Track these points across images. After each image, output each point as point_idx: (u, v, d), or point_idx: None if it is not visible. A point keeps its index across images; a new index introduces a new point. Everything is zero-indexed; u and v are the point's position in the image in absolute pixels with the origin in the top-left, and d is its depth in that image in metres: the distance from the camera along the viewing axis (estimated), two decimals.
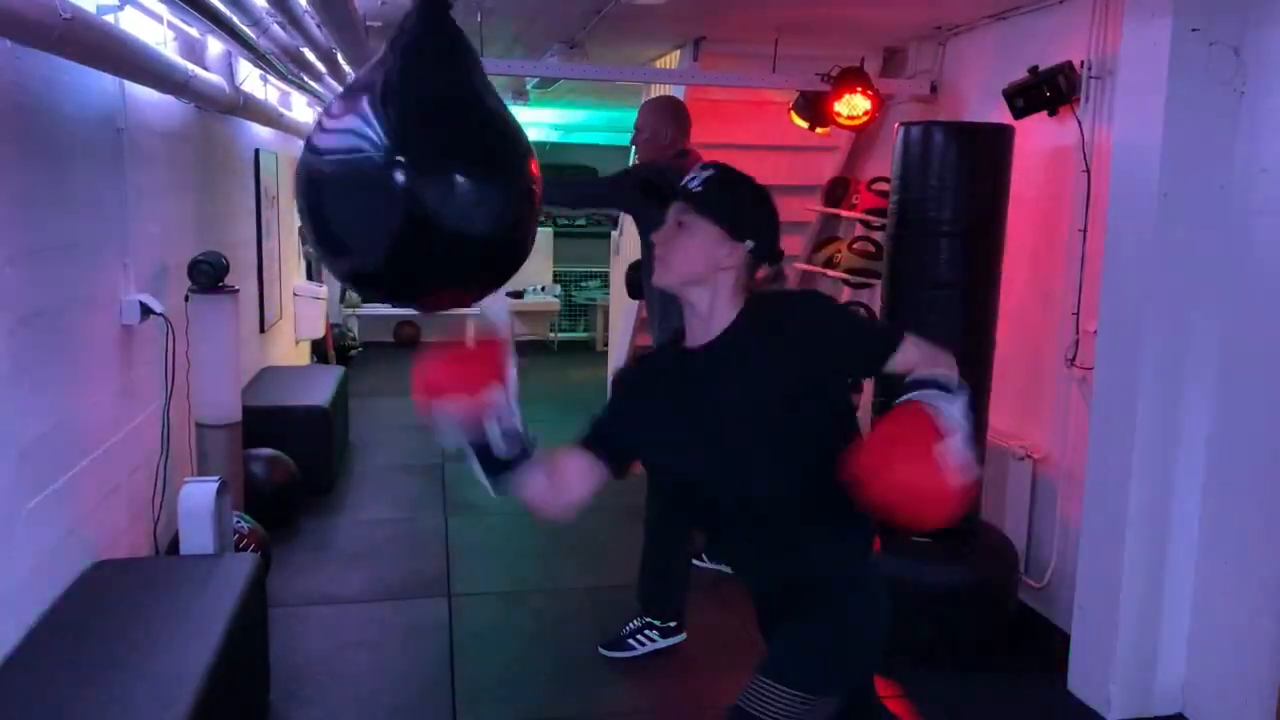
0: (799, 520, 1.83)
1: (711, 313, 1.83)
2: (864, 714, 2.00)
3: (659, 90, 6.02)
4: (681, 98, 5.36)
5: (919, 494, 1.61)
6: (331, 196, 2.39)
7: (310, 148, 2.41)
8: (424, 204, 2.30)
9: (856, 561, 1.88)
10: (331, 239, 2.47)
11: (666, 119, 3.61)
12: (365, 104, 2.35)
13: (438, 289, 2.63)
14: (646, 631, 3.45)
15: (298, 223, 7.85)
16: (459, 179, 2.34)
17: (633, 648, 3.44)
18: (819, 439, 1.77)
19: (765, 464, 1.80)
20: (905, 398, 1.71)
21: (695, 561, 4.09)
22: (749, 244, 1.80)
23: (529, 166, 2.52)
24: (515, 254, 2.58)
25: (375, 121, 2.32)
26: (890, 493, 1.61)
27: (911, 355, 1.81)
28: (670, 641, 3.46)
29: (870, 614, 1.88)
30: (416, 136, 2.33)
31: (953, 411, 1.66)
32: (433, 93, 2.40)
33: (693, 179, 1.84)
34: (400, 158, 2.28)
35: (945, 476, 1.58)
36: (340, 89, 2.55)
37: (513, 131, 2.54)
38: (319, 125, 2.48)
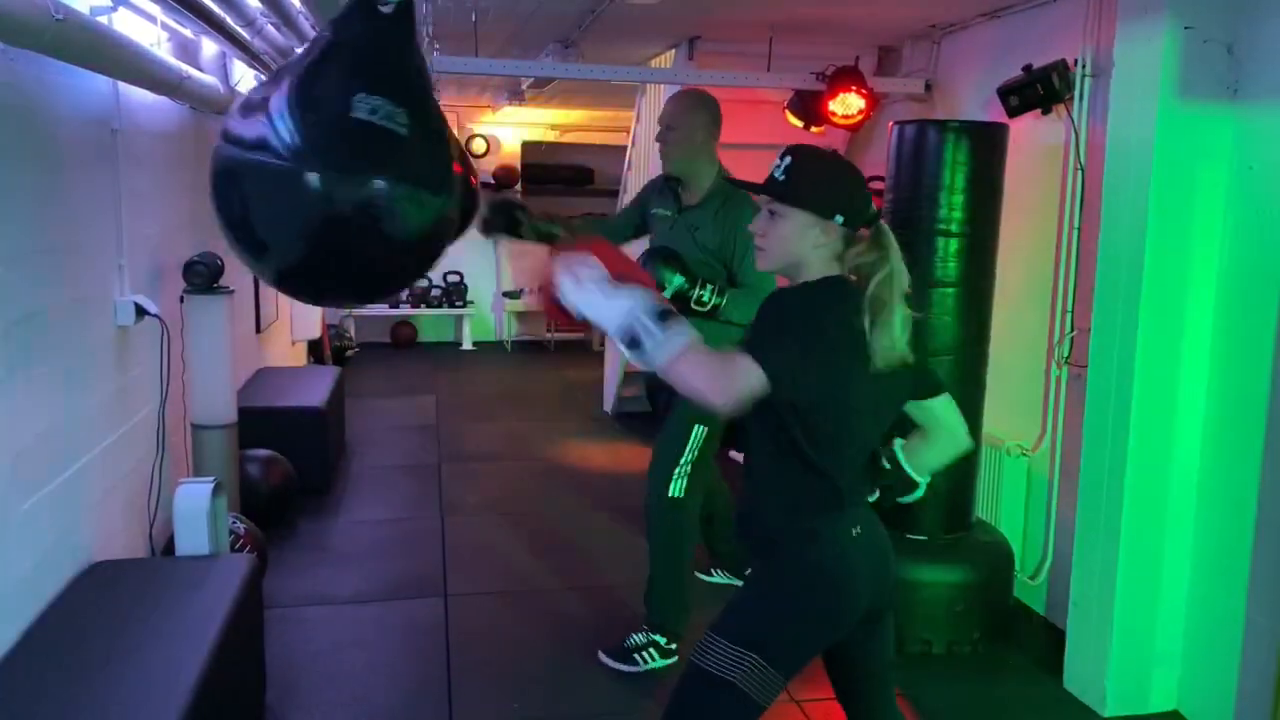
0: (751, 480, 1.99)
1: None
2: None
3: (655, 90, 6.03)
4: None
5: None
6: (248, 192, 2.40)
7: (227, 136, 2.40)
8: (338, 204, 2.29)
9: (795, 535, 1.90)
10: (251, 237, 2.47)
11: (701, 116, 3.37)
12: (284, 97, 2.33)
13: (353, 288, 2.63)
14: (651, 650, 3.40)
15: None
16: (373, 180, 2.30)
17: (635, 663, 3.39)
18: (758, 412, 1.83)
19: (750, 422, 1.93)
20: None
21: (703, 576, 4.10)
22: (839, 219, 1.87)
23: (449, 165, 2.51)
24: (431, 252, 2.55)
25: (289, 118, 2.30)
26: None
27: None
28: (665, 663, 3.39)
29: (784, 585, 1.91)
30: (330, 137, 2.29)
31: (640, 303, 1.74)
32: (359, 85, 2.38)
33: (776, 167, 1.92)
34: (313, 159, 2.26)
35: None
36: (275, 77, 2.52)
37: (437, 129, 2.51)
38: (240, 111, 2.45)
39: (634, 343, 1.74)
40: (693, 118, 3.37)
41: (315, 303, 2.93)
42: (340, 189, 2.29)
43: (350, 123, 2.29)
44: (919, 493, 2.05)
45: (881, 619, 2.01)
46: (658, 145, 3.47)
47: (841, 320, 1.84)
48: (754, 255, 3.07)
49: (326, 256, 2.42)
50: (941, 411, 2.04)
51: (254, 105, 2.42)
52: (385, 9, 2.41)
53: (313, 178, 2.28)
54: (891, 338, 1.83)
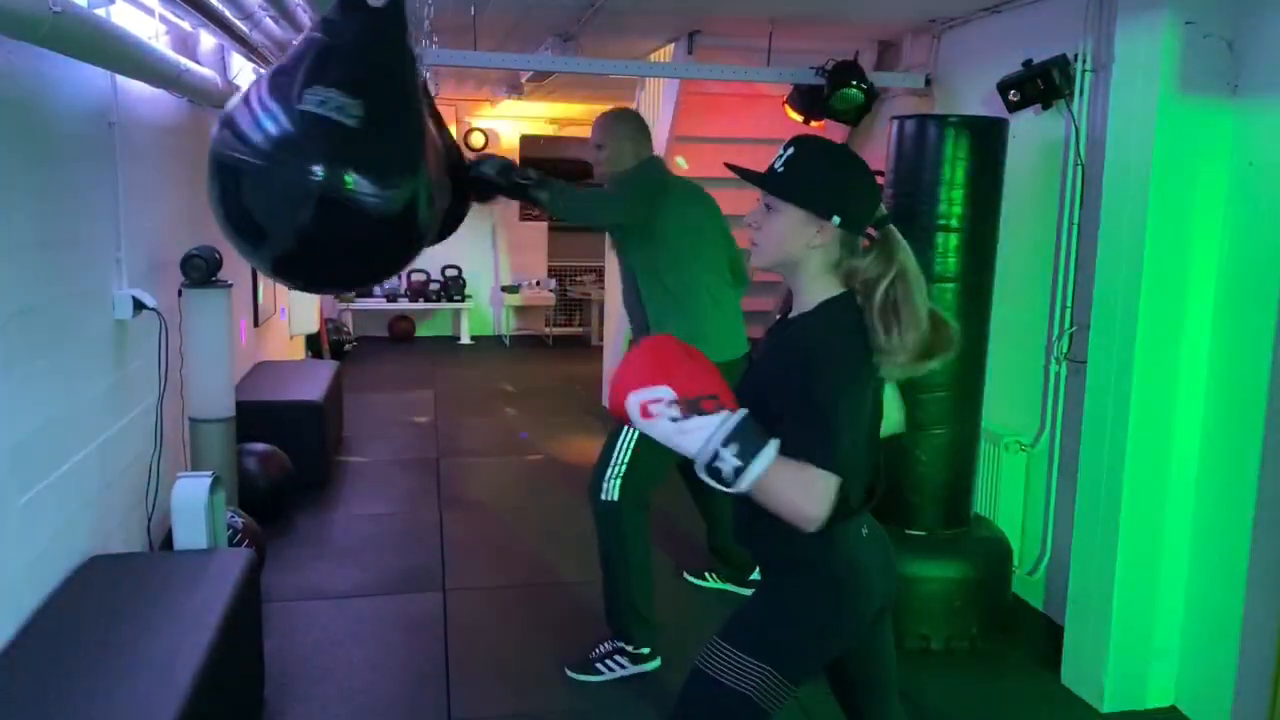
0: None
1: (801, 290, 1.84)
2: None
3: (654, 84, 6.02)
4: (676, 91, 5.38)
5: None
6: (247, 183, 2.45)
7: (228, 126, 2.46)
8: (332, 193, 2.35)
9: (811, 543, 1.78)
10: (249, 224, 2.56)
11: (626, 131, 3.45)
12: (259, 90, 2.41)
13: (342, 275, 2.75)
14: (617, 657, 3.35)
15: None
16: (365, 170, 2.39)
17: (600, 672, 3.34)
18: (771, 427, 1.74)
19: None
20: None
21: (696, 580, 4.09)
22: (836, 219, 1.76)
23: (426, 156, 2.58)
24: (414, 240, 2.64)
25: (259, 110, 2.38)
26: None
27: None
28: (640, 669, 3.34)
29: (805, 600, 1.85)
30: (281, 127, 2.40)
31: (716, 435, 1.63)
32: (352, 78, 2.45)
33: (778, 158, 1.81)
34: (266, 148, 2.37)
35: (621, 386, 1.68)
36: (266, 73, 2.61)
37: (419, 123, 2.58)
38: (243, 104, 2.51)
39: (712, 472, 1.65)
40: (616, 130, 3.44)
41: (301, 287, 3.05)
42: (285, 176, 2.34)
43: (297, 114, 2.37)
44: None
45: (883, 619, 1.97)
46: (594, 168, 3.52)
47: (860, 345, 1.75)
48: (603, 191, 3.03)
49: (295, 242, 2.51)
50: (886, 395, 1.94)
51: (244, 96, 2.50)
52: (376, 3, 2.43)
53: (262, 165, 2.37)
54: (917, 344, 1.74)
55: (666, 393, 1.66)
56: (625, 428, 3.28)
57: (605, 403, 2.06)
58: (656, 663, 3.37)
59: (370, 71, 2.51)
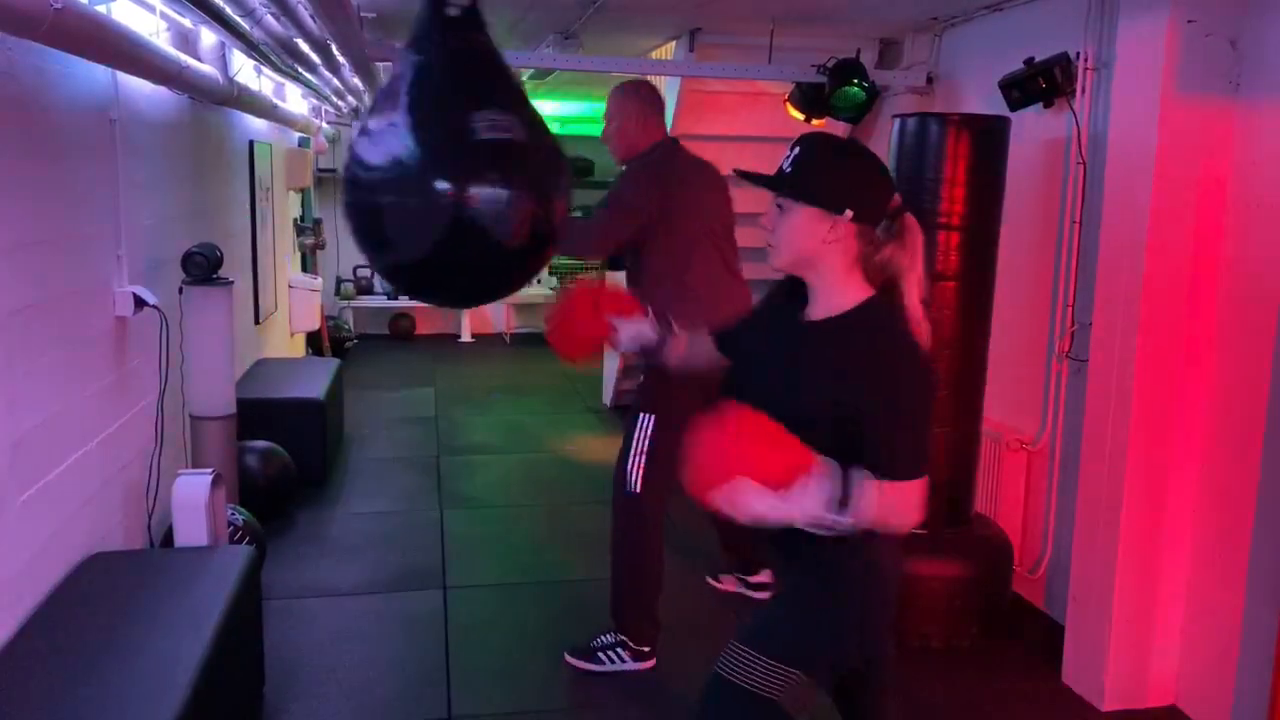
0: None
1: (824, 289, 1.82)
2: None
3: (656, 82, 6.01)
4: (677, 89, 5.37)
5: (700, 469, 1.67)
6: (376, 201, 2.45)
7: (354, 158, 2.47)
8: (463, 212, 2.37)
9: (842, 545, 1.78)
10: (378, 238, 2.52)
11: (636, 102, 3.41)
12: (402, 113, 2.41)
13: (472, 290, 2.74)
14: (618, 649, 3.35)
15: (293, 214, 7.84)
16: (497, 189, 2.38)
17: (600, 662, 3.34)
18: (814, 429, 1.73)
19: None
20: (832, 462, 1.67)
21: (713, 582, 4.07)
22: (849, 214, 1.76)
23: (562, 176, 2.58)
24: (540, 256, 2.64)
25: (412, 132, 2.37)
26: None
27: (872, 478, 1.68)
28: (638, 666, 3.35)
29: (838, 600, 1.85)
30: (455, 150, 2.37)
31: (819, 501, 1.63)
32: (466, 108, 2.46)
33: (785, 159, 1.82)
34: (440, 170, 2.34)
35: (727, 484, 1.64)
36: (378, 92, 2.62)
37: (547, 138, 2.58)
38: (363, 132, 2.51)
39: (831, 529, 1.67)
40: (624, 106, 3.42)
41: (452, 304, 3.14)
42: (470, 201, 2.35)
43: (475, 141, 2.36)
44: None
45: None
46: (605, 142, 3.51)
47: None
48: (605, 203, 3.07)
49: (454, 261, 2.47)
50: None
51: (373, 134, 2.45)
52: (453, 11, 2.44)
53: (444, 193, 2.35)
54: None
55: (747, 485, 1.64)
56: (641, 417, 3.28)
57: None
58: (653, 662, 3.37)
59: (501, 82, 2.54)
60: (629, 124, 3.40)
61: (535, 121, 2.54)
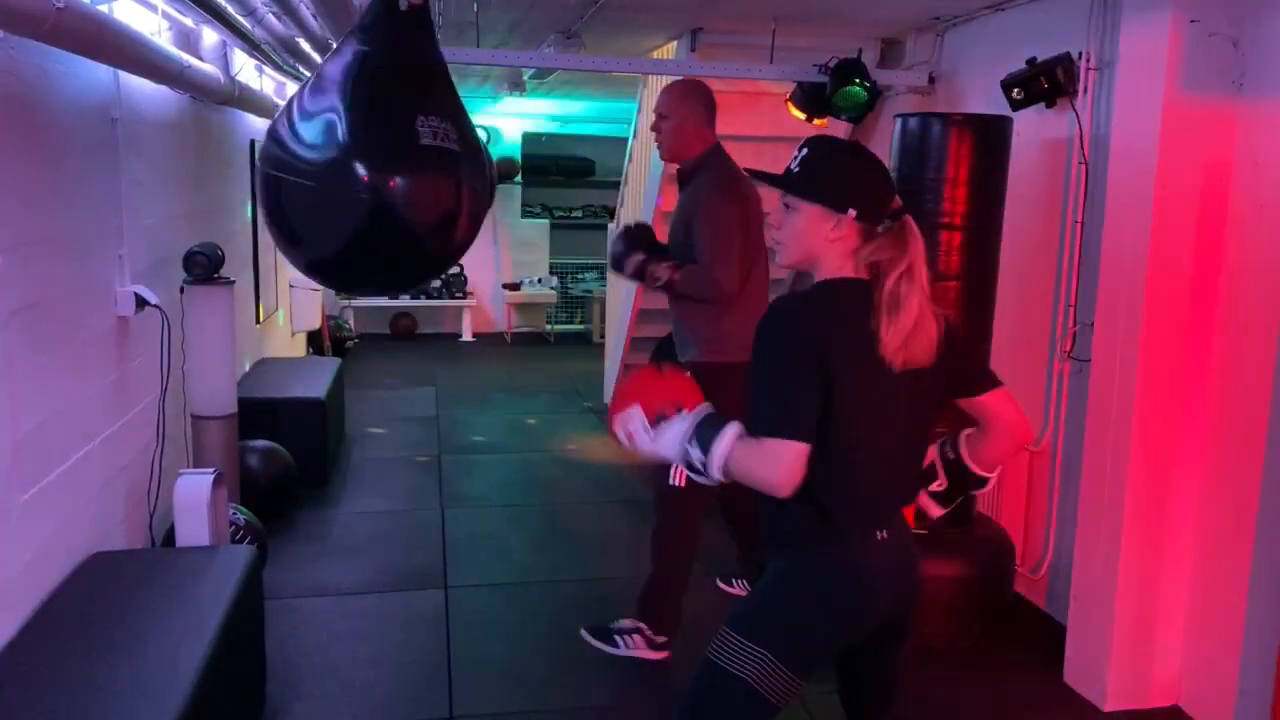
0: None
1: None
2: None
3: (657, 81, 6.01)
4: None
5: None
6: (294, 191, 2.48)
7: (275, 141, 2.51)
8: (381, 201, 2.41)
9: (816, 535, 1.87)
10: (291, 231, 2.60)
11: (696, 103, 3.37)
12: (331, 99, 2.46)
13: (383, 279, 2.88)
14: (635, 635, 3.36)
15: None
16: (412, 177, 2.49)
17: (615, 644, 3.36)
18: None
19: None
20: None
21: (725, 586, 4.05)
22: (853, 212, 1.83)
23: (485, 163, 2.71)
24: (457, 247, 2.75)
25: (340, 120, 2.45)
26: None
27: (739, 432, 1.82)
28: (651, 654, 3.36)
29: (802, 589, 1.89)
30: (375, 136, 2.47)
31: (680, 435, 1.83)
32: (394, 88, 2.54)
33: (793, 159, 1.91)
34: (360, 158, 2.43)
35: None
36: (308, 79, 2.69)
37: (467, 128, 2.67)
38: (287, 118, 2.55)
39: (691, 468, 1.83)
40: (686, 103, 3.37)
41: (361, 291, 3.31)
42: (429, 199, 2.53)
43: (417, 148, 2.49)
44: (986, 483, 2.07)
45: (901, 629, 1.98)
46: (653, 134, 3.49)
47: (833, 329, 1.81)
48: (702, 229, 3.06)
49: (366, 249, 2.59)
50: (998, 407, 1.98)
51: (307, 114, 2.56)
52: (403, 6, 2.49)
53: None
54: (903, 337, 1.79)
55: (636, 412, 1.88)
56: None
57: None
58: (667, 654, 3.38)
59: (445, 90, 2.66)
60: (686, 126, 3.36)
61: (466, 123, 2.63)
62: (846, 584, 1.88)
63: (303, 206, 2.51)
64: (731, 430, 1.80)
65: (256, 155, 2.69)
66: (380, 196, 2.45)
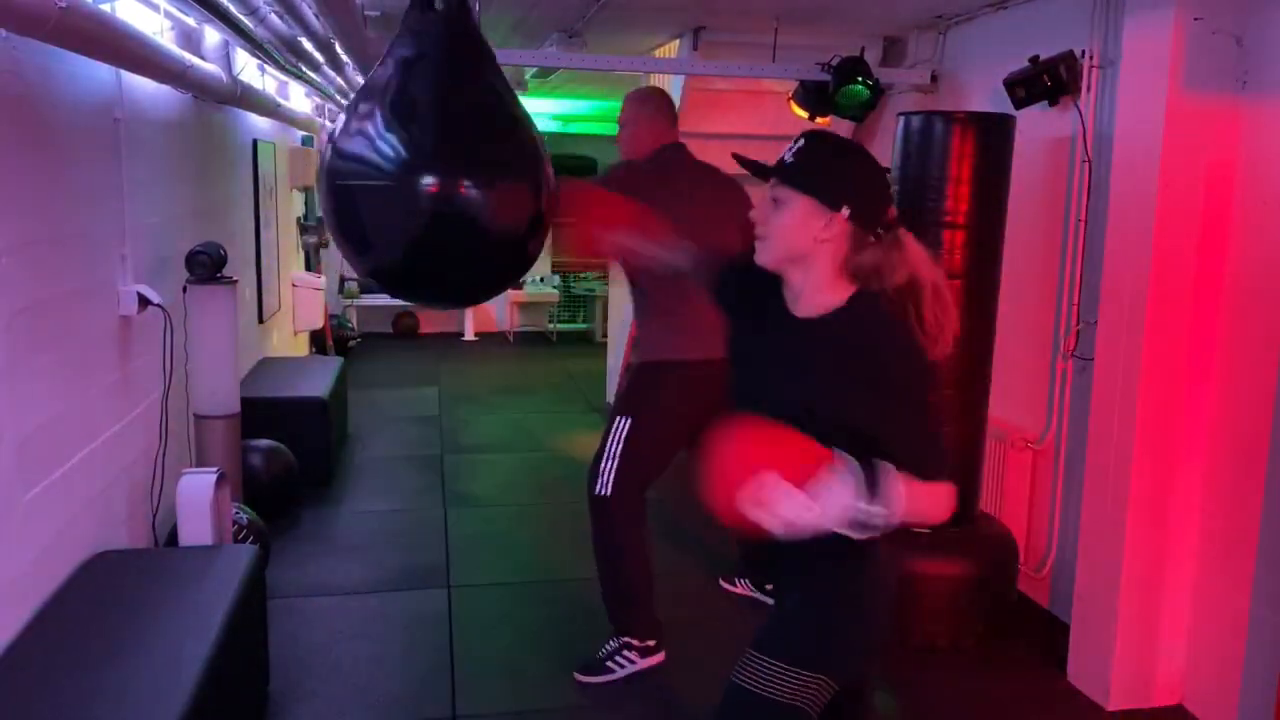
0: None
1: (809, 288, 1.78)
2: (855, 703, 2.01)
3: (658, 80, 6.01)
4: (681, 87, 5.37)
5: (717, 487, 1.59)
6: (358, 201, 2.46)
7: (336, 151, 2.47)
8: (447, 209, 2.38)
9: (855, 549, 1.75)
10: (358, 239, 2.52)
11: (647, 107, 3.48)
12: (387, 109, 2.44)
13: (458, 288, 2.77)
14: (625, 653, 3.33)
15: (296, 213, 7.84)
16: (481, 185, 2.43)
17: (611, 670, 3.32)
18: (825, 435, 1.68)
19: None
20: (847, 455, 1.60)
21: (727, 585, 4.04)
22: (846, 211, 1.72)
23: (544, 167, 2.64)
24: (529, 252, 2.68)
25: (397, 129, 2.43)
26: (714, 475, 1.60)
27: (898, 473, 1.62)
28: (649, 662, 3.34)
29: (849, 599, 1.84)
30: (440, 146, 2.44)
31: (849, 493, 1.56)
32: (459, 99, 2.54)
33: (787, 150, 1.78)
34: (424, 167, 2.40)
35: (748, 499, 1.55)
36: (360, 84, 2.67)
37: (527, 132, 2.66)
38: (344, 128, 2.52)
39: (865, 527, 1.60)
40: (638, 112, 3.47)
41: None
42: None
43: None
44: None
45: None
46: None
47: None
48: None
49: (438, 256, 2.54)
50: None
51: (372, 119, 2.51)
52: (439, 5, 2.50)
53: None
54: (951, 335, 1.76)
55: (778, 484, 1.56)
56: (617, 419, 3.28)
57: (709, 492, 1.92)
58: (662, 656, 3.36)
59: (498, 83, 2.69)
60: (638, 129, 3.46)
61: (523, 114, 2.59)
62: (886, 595, 1.86)
63: (378, 206, 2.45)
64: (892, 476, 1.59)
65: (320, 171, 2.63)
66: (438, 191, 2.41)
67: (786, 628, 1.87)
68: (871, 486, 1.57)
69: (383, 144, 2.42)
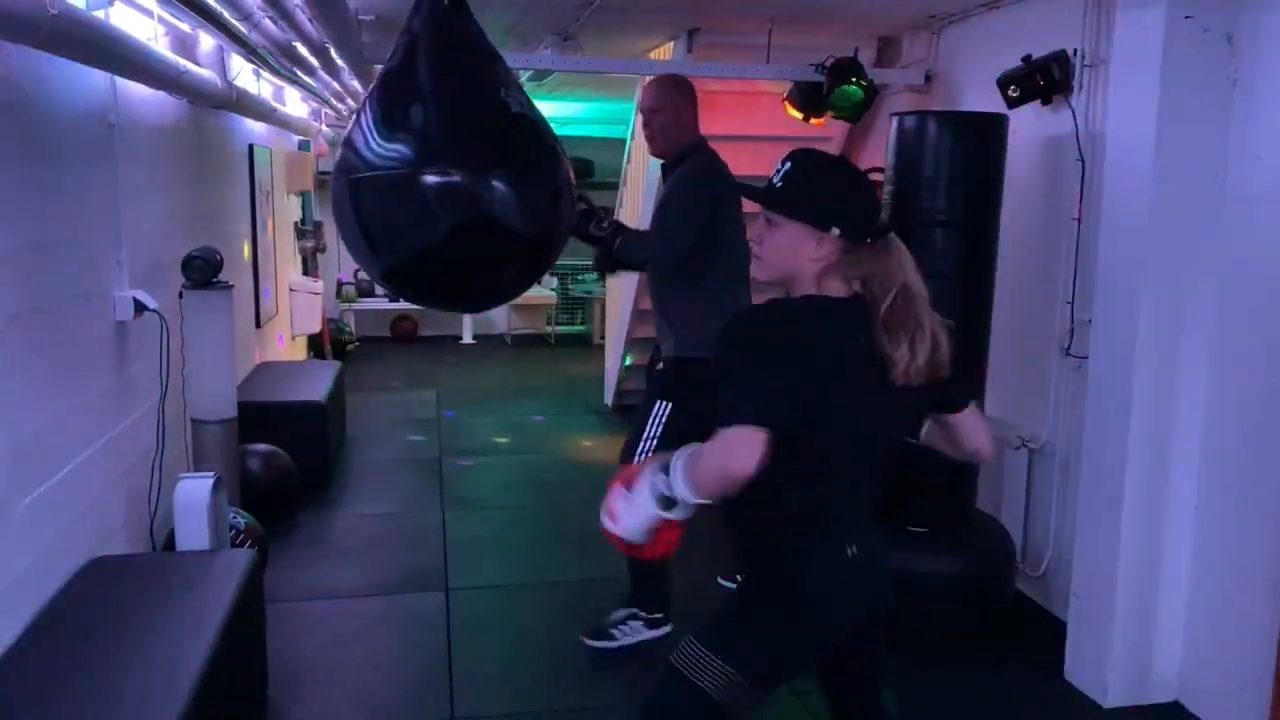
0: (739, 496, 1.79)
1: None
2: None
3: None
4: None
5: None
6: (371, 201, 2.46)
7: (350, 148, 2.48)
8: (466, 208, 2.39)
9: (781, 550, 1.86)
10: (370, 240, 2.53)
11: (686, 95, 3.34)
12: (400, 109, 2.44)
13: (474, 289, 2.76)
14: (631, 622, 3.39)
15: (293, 218, 7.85)
16: (498, 184, 2.42)
17: (614, 638, 3.38)
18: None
19: None
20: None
21: (726, 583, 4.05)
22: (836, 232, 1.78)
23: (562, 165, 2.66)
24: (552, 249, 2.69)
25: (412, 129, 2.44)
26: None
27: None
28: (655, 634, 3.38)
29: (769, 614, 1.87)
30: (454, 145, 2.45)
31: (653, 476, 1.78)
32: (468, 99, 2.54)
33: (775, 173, 1.84)
34: (437, 167, 2.42)
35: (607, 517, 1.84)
36: (371, 87, 2.68)
37: (542, 131, 2.65)
38: (358, 128, 2.53)
39: (667, 502, 1.77)
40: (678, 98, 3.34)
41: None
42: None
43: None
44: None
45: (875, 632, 1.97)
46: (645, 133, 3.45)
47: (813, 339, 1.77)
48: (662, 205, 3.05)
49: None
50: (971, 424, 1.95)
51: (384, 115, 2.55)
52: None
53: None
54: (927, 355, 1.76)
55: (616, 490, 1.85)
56: (657, 404, 3.29)
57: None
58: (669, 627, 3.39)
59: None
60: (673, 120, 3.32)
61: (537, 114, 2.59)
62: (812, 604, 1.86)
63: (392, 205, 2.46)
64: (684, 448, 1.76)
65: (335, 171, 2.64)
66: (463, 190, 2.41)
67: (714, 616, 1.96)
68: (666, 464, 1.76)
69: (398, 143, 2.46)
